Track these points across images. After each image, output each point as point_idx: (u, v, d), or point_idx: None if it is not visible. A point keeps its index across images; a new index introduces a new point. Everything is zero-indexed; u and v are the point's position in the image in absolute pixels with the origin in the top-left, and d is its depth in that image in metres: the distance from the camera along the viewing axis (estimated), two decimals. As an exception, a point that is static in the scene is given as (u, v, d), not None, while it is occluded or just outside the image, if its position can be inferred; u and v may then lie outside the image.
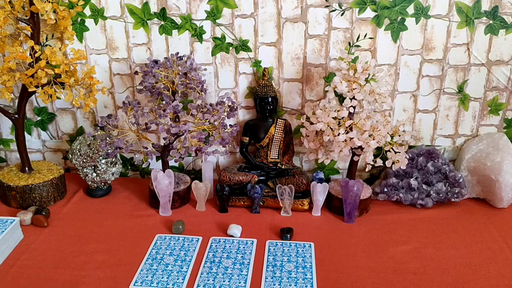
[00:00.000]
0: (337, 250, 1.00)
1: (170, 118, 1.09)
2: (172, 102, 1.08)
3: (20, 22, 1.06)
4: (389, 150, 1.08)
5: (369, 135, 1.04)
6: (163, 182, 1.12)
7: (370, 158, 1.08)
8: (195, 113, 1.09)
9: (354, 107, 1.07)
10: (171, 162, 1.20)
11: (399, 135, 1.11)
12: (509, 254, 0.99)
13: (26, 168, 1.20)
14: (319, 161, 1.15)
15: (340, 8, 1.14)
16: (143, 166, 1.35)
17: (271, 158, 1.24)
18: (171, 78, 1.11)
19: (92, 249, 0.99)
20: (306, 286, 0.88)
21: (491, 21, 1.14)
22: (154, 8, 1.17)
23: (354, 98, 1.05)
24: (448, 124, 1.26)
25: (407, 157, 1.10)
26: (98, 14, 1.18)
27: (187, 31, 1.19)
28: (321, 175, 1.22)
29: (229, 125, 1.16)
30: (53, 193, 1.18)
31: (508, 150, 1.18)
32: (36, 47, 1.01)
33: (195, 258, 0.97)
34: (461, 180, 1.17)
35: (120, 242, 1.03)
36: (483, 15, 1.13)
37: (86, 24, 1.19)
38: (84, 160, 1.21)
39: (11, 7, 1.02)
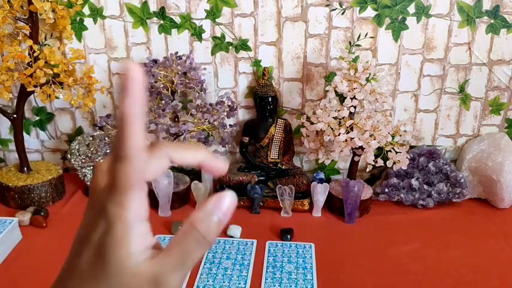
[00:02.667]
0: (337, 251, 1.00)
1: (169, 118, 1.08)
2: (172, 101, 1.07)
3: (18, 21, 1.05)
4: (390, 150, 1.08)
5: (370, 135, 1.03)
6: (163, 183, 1.11)
7: (371, 158, 1.07)
8: (195, 112, 1.09)
9: (355, 107, 1.06)
10: (171, 162, 1.20)
11: (400, 135, 1.10)
12: (510, 255, 0.98)
13: (25, 169, 1.19)
14: (320, 161, 1.14)
15: (341, 7, 1.14)
16: (142, 166, 1.34)
17: (271, 158, 1.24)
18: (170, 78, 1.10)
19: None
20: (307, 287, 0.87)
21: (492, 21, 1.13)
22: (153, 7, 1.16)
23: (354, 97, 1.04)
24: (449, 124, 1.26)
25: (408, 157, 1.10)
26: (97, 13, 1.17)
27: (186, 30, 1.18)
28: (322, 175, 1.22)
29: (229, 125, 1.16)
30: (51, 193, 1.17)
31: (510, 150, 1.18)
32: (35, 47, 1.01)
33: (194, 259, 0.96)
34: (462, 180, 1.17)
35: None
36: (484, 14, 1.13)
37: (84, 23, 1.19)
38: (83, 160, 1.20)
39: (10, 6, 1.01)
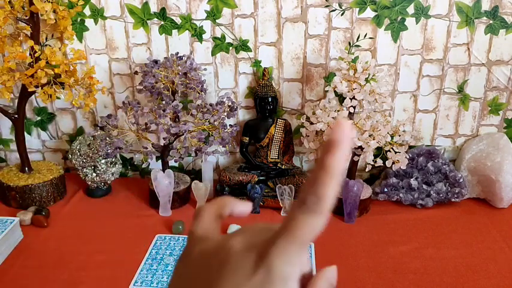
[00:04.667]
0: (337, 250, 1.00)
1: (170, 118, 1.09)
2: (172, 102, 1.08)
3: (19, 22, 1.06)
4: (389, 150, 1.08)
5: (369, 135, 1.04)
6: (163, 182, 1.12)
7: (370, 158, 1.08)
8: (195, 113, 1.09)
9: (354, 107, 1.06)
10: (171, 162, 1.20)
11: (399, 135, 1.10)
12: (509, 254, 0.99)
13: (26, 168, 1.20)
14: (319, 161, 1.15)
15: (340, 7, 1.14)
16: (143, 166, 1.35)
17: (271, 158, 1.24)
18: (171, 78, 1.11)
19: (91, 249, 0.99)
20: (306, 286, 0.88)
21: (491, 21, 1.14)
22: (154, 7, 1.17)
23: (354, 98, 1.05)
24: (448, 124, 1.26)
25: (408, 157, 1.10)
26: (98, 13, 1.18)
27: (187, 31, 1.19)
28: (321, 175, 1.22)
29: (229, 125, 1.16)
30: (52, 193, 1.18)
31: (508, 150, 1.18)
32: (36, 47, 1.01)
33: (195, 258, 0.97)
34: (461, 180, 1.17)
35: (120, 242, 1.03)
36: (483, 15, 1.13)
37: (85, 24, 1.19)
38: (84, 160, 1.20)
39: (11, 7, 1.02)
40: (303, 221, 0.26)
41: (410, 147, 1.20)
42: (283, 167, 1.24)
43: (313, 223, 0.26)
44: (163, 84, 1.11)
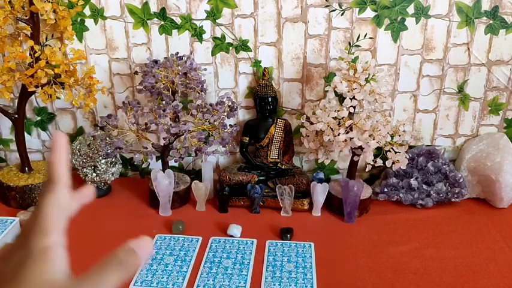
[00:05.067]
0: (337, 250, 1.00)
1: (170, 118, 1.09)
2: (172, 102, 1.08)
3: (19, 22, 1.06)
4: (389, 150, 1.08)
5: (369, 135, 1.04)
6: (163, 182, 1.12)
7: (370, 158, 1.08)
8: (195, 113, 1.09)
9: (354, 107, 1.06)
10: (171, 162, 1.20)
11: (399, 135, 1.10)
12: (509, 254, 0.99)
13: (26, 168, 1.20)
14: (319, 161, 1.15)
15: (340, 7, 1.14)
16: (143, 166, 1.35)
17: (271, 158, 1.24)
18: (171, 78, 1.11)
19: (91, 249, 0.99)
20: (306, 286, 0.88)
21: (491, 21, 1.14)
22: (154, 7, 1.17)
23: (354, 98, 1.05)
24: (448, 124, 1.26)
25: (408, 157, 1.10)
26: (98, 13, 1.18)
27: (187, 31, 1.19)
28: (321, 175, 1.22)
29: (229, 125, 1.16)
30: (52, 193, 1.18)
31: (508, 150, 1.18)
32: (36, 47, 1.01)
33: (195, 258, 0.97)
34: (461, 180, 1.17)
35: (120, 242, 1.02)
36: (483, 15, 1.13)
37: (85, 24, 1.19)
38: (84, 160, 1.20)
39: (11, 7, 1.02)
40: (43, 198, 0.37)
41: (410, 147, 1.20)
42: (283, 167, 1.24)
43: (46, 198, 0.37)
44: (163, 84, 1.11)
